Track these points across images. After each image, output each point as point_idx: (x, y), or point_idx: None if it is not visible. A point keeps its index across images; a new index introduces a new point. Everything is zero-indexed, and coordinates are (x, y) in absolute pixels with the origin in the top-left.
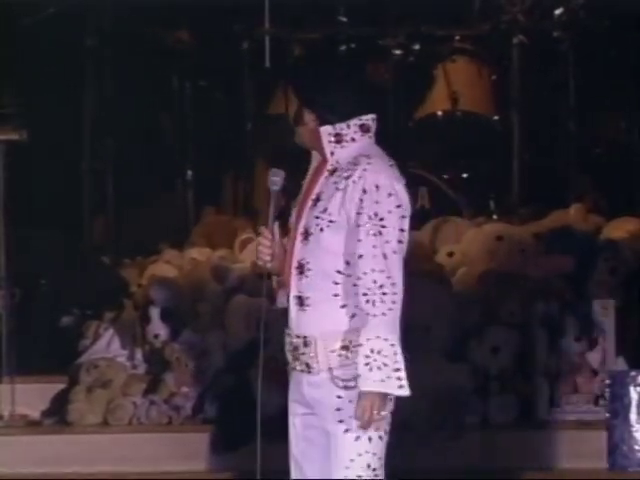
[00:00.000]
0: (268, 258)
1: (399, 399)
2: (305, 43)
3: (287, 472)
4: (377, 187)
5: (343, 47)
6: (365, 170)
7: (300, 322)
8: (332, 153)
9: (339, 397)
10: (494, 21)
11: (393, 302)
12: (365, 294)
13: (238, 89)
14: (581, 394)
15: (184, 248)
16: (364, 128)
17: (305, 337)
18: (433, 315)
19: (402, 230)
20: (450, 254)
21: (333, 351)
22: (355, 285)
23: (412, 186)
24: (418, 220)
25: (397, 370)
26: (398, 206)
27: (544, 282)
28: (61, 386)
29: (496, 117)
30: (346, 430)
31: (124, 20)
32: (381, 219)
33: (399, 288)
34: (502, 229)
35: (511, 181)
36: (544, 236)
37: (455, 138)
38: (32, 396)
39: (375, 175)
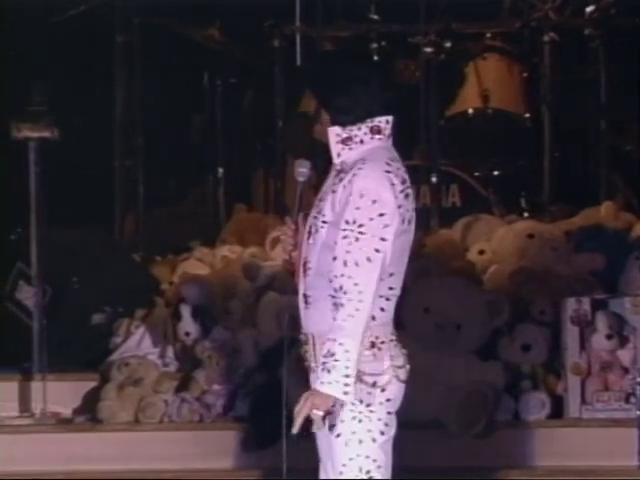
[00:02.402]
0: (290, 248)
1: (431, 398)
2: (336, 41)
3: (315, 471)
4: (361, 193)
5: (374, 45)
6: (355, 175)
7: (304, 320)
8: (339, 154)
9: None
10: (525, 18)
11: (356, 310)
12: (332, 296)
13: (269, 87)
14: (612, 392)
15: (215, 246)
16: (374, 130)
17: (307, 335)
18: (464, 313)
19: (383, 239)
20: (481, 252)
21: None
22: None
23: (443, 184)
24: (449, 218)
25: (346, 376)
26: (381, 214)
27: (575, 280)
28: (93, 384)
29: (527, 115)
30: (337, 435)
31: (154, 17)
32: (360, 225)
33: (366, 296)
34: (533, 227)
35: (542, 179)
36: (575, 234)
37: (486, 136)
38: (63, 394)
39: (363, 180)
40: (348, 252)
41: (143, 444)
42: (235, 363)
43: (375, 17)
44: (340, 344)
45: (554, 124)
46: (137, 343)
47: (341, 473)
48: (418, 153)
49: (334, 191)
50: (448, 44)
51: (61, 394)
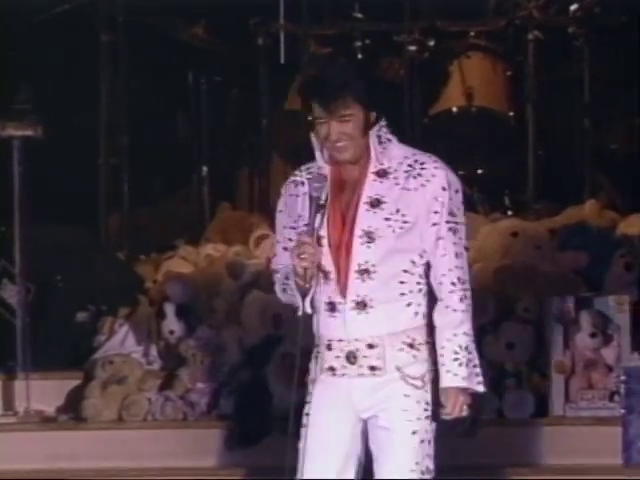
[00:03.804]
0: (310, 265)
1: None
2: (320, 39)
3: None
4: (449, 185)
5: (358, 43)
6: (436, 168)
7: (359, 325)
8: (377, 155)
9: (406, 396)
10: (509, 17)
11: (470, 298)
12: (451, 291)
13: (254, 85)
14: (596, 390)
15: (199, 244)
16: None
17: (370, 339)
18: None
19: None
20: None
21: (401, 350)
22: (428, 282)
23: None
24: None
25: (476, 366)
26: (462, 202)
27: (559, 278)
28: (76, 382)
29: (511, 113)
30: (413, 432)
31: (139, 15)
32: (454, 216)
33: (470, 286)
34: (517, 225)
35: (526, 177)
36: (559, 232)
37: (470, 134)
38: (47, 392)
39: (445, 173)
40: (455, 244)
41: (127, 442)
42: (219, 361)
43: (359, 15)
44: (469, 335)
45: (538, 122)
46: (121, 341)
47: (412, 471)
48: None
49: (407, 189)
50: (432, 42)
51: (45, 392)
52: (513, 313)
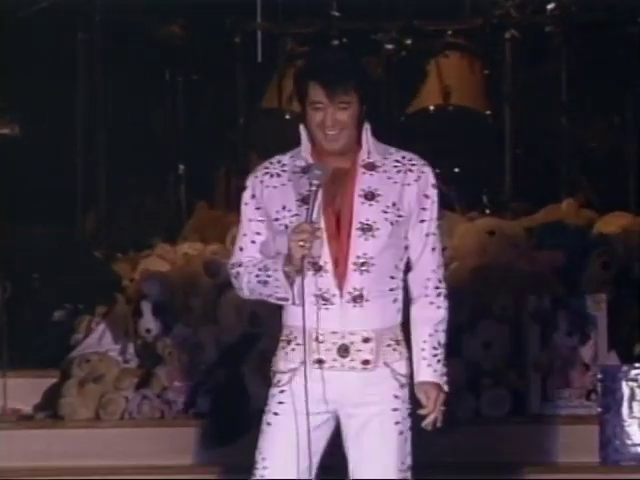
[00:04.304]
0: (308, 253)
1: None
2: (298, 38)
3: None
4: (434, 184)
5: (335, 41)
6: (425, 165)
7: (356, 318)
8: (369, 149)
9: (396, 397)
10: (486, 16)
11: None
12: (437, 288)
13: (231, 84)
14: (573, 388)
15: (176, 243)
16: None
17: (365, 333)
18: None
19: None
20: (442, 248)
21: (389, 346)
22: (412, 279)
23: None
24: None
25: (445, 366)
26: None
27: (536, 277)
28: (53, 380)
29: (488, 112)
30: (400, 432)
31: (116, 14)
32: (436, 216)
33: None
34: (494, 224)
35: (503, 176)
36: (536, 231)
37: (447, 132)
38: (24, 390)
39: (432, 170)
40: (439, 242)
41: (104, 440)
42: (196, 359)
43: (337, 14)
44: (445, 335)
45: (515, 121)
46: (98, 340)
47: (400, 471)
48: None
49: (400, 183)
50: (410, 41)
51: (21, 391)
52: (490, 312)
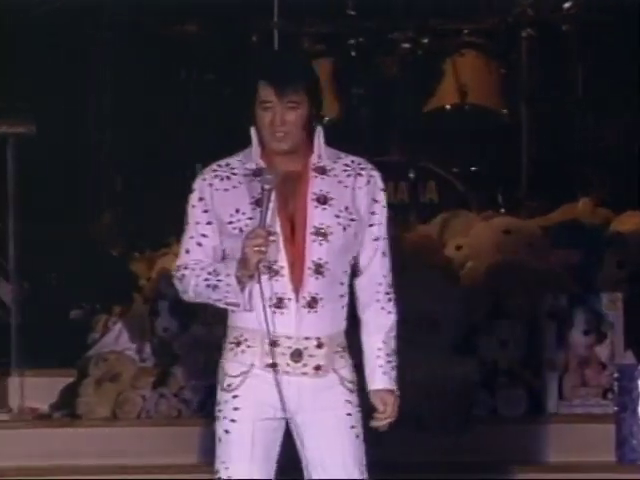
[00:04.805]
0: (264, 257)
1: (407, 394)
2: (314, 36)
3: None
4: (383, 188)
5: (352, 41)
6: (373, 169)
7: (310, 324)
8: (320, 153)
9: (348, 402)
10: (503, 15)
11: None
12: (388, 293)
13: (248, 82)
14: (589, 387)
15: None
16: None
17: (318, 338)
18: (441, 309)
19: None
20: (458, 247)
21: (337, 352)
22: (364, 284)
23: (420, 180)
24: (426, 214)
25: (394, 369)
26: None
27: (552, 276)
28: (70, 379)
29: (504, 110)
30: (357, 435)
31: (132, 12)
32: (386, 221)
33: None
34: (510, 223)
35: (519, 175)
36: (552, 230)
37: (463, 131)
38: (41, 389)
39: (380, 176)
40: (387, 246)
41: (120, 439)
42: (213, 359)
43: (353, 13)
44: (396, 340)
45: (531, 120)
46: (115, 339)
47: (362, 472)
48: (395, 149)
49: (351, 187)
50: (426, 40)
51: (39, 390)
52: (506, 311)
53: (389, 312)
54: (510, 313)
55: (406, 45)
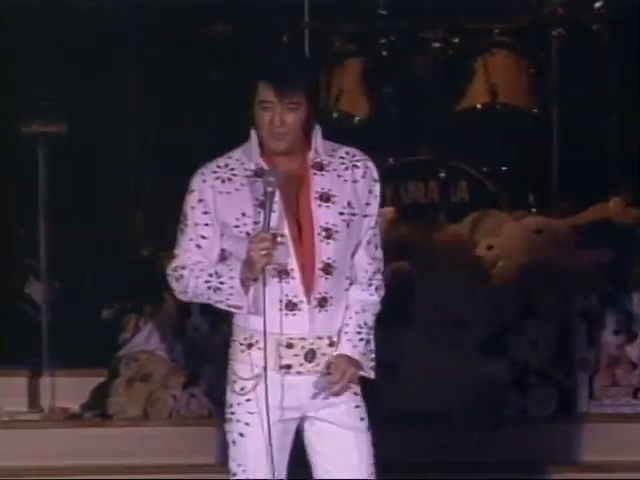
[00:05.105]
0: (270, 261)
1: (438, 394)
2: (345, 36)
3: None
4: (377, 179)
5: (383, 40)
6: (367, 160)
7: (322, 323)
8: (317, 148)
9: (356, 394)
10: (533, 14)
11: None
12: (370, 279)
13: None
14: (620, 387)
15: None
16: None
17: (330, 337)
18: (472, 309)
19: None
20: (489, 247)
21: None
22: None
23: (451, 179)
24: (457, 213)
25: (372, 351)
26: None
27: (583, 275)
28: (101, 379)
29: (535, 110)
30: (367, 428)
31: (163, 12)
32: (377, 211)
33: None
34: (541, 222)
35: (550, 174)
36: (583, 229)
37: (494, 131)
38: (72, 389)
39: (374, 166)
40: (376, 235)
41: (152, 439)
42: None
43: (384, 12)
44: (373, 320)
45: (562, 119)
46: (145, 339)
47: (370, 464)
48: (426, 149)
49: (350, 181)
50: (456, 40)
51: (70, 390)
52: (537, 310)
53: (370, 294)
54: (541, 313)
55: (437, 44)
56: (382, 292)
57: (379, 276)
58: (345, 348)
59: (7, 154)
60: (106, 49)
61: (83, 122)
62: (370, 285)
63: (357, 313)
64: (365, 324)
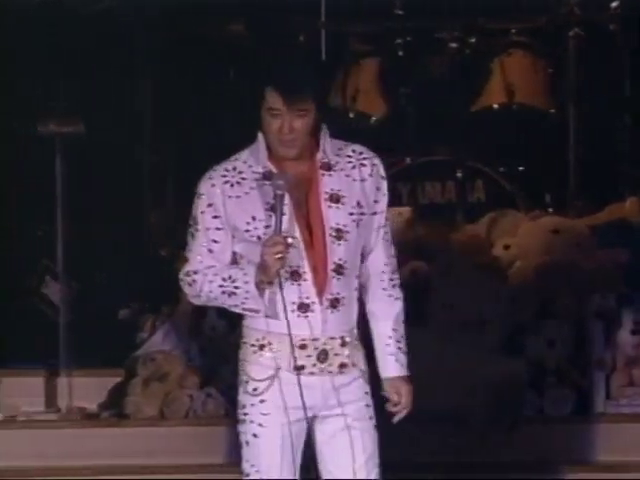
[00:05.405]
0: (284, 264)
1: (455, 394)
2: (362, 36)
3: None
4: (384, 176)
5: (399, 40)
6: (374, 157)
7: (334, 323)
8: (324, 149)
9: (366, 393)
10: (550, 14)
11: None
12: (392, 279)
13: None
14: (637, 387)
15: None
16: None
17: (342, 337)
18: (489, 308)
19: None
20: (506, 247)
21: (355, 346)
22: (367, 272)
23: (468, 179)
24: (474, 213)
25: (407, 354)
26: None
27: (600, 275)
28: (118, 379)
29: (552, 110)
30: (375, 427)
31: (179, 13)
32: (387, 208)
33: None
34: (558, 222)
35: (567, 174)
36: (600, 229)
37: (511, 131)
38: (89, 389)
39: (381, 164)
40: (388, 233)
41: (168, 439)
42: None
43: (400, 12)
44: (404, 324)
45: (579, 119)
46: (162, 338)
47: (377, 465)
48: (442, 149)
49: (359, 180)
50: (473, 40)
51: (87, 389)
52: (553, 310)
53: (396, 298)
54: (558, 313)
55: (453, 44)
56: (402, 290)
57: (397, 274)
58: (396, 370)
59: (24, 154)
60: (124, 49)
61: (99, 122)
62: (394, 286)
63: (395, 330)
64: (402, 336)
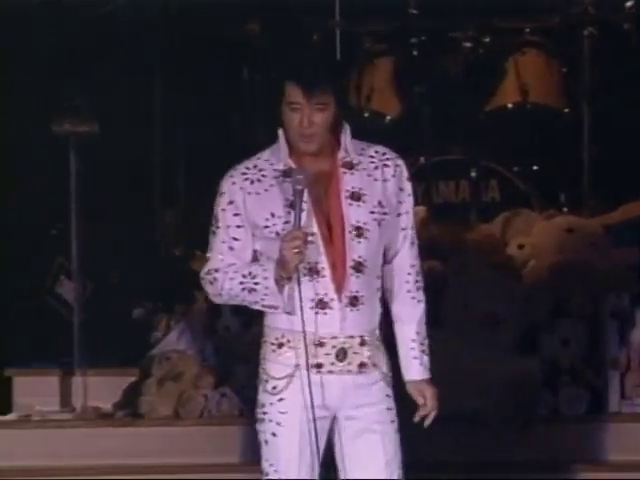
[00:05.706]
0: (303, 260)
1: (470, 393)
2: (376, 36)
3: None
4: (408, 177)
5: (413, 40)
6: (398, 158)
7: (353, 322)
8: (346, 147)
9: (388, 396)
10: (564, 13)
11: None
12: (417, 281)
13: None
14: None
15: None
16: None
17: (362, 336)
18: (503, 308)
19: None
20: (520, 246)
21: (377, 347)
22: (392, 273)
23: (482, 178)
24: (488, 212)
25: (429, 355)
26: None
27: (614, 274)
28: (133, 379)
29: (566, 109)
30: (396, 430)
31: (193, 12)
32: (412, 210)
33: None
34: (572, 221)
35: (581, 174)
36: (614, 228)
37: (525, 130)
38: (104, 389)
39: (405, 164)
40: (414, 235)
41: (183, 438)
42: None
43: (414, 12)
44: (426, 326)
45: (593, 119)
46: (177, 338)
47: (399, 468)
48: (457, 148)
49: (380, 180)
50: (487, 39)
51: (101, 389)
52: (568, 310)
53: (419, 301)
54: (572, 312)
55: (467, 44)
56: (425, 293)
57: (421, 277)
58: (419, 373)
59: (39, 153)
60: (138, 48)
61: (114, 121)
62: (418, 289)
63: (418, 333)
64: (425, 338)
